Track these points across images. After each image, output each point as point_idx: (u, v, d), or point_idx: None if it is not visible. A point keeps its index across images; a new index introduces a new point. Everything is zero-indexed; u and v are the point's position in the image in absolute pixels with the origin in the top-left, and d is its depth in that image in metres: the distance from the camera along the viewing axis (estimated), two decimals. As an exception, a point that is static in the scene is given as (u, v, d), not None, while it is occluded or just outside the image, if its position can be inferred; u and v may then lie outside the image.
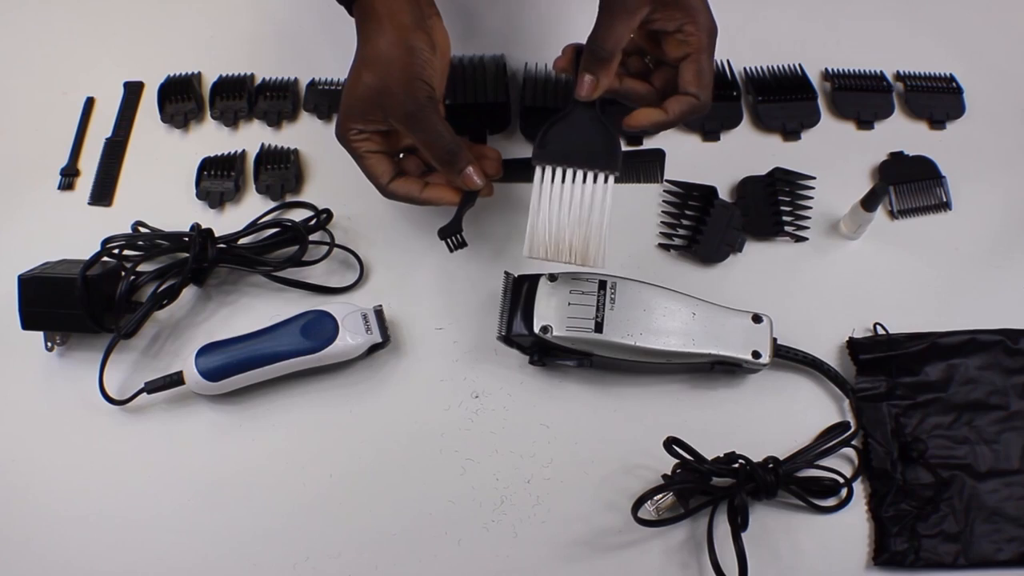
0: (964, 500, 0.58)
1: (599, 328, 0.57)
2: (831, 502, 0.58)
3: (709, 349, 0.58)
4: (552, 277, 0.59)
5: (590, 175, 0.58)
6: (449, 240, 0.61)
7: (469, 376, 0.62)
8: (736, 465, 0.57)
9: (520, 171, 0.65)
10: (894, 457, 0.59)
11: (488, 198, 0.62)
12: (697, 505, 0.56)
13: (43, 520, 0.58)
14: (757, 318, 0.59)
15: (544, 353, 0.59)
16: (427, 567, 0.57)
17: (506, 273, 0.60)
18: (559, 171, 0.58)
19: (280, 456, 0.60)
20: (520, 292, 0.59)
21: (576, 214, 0.57)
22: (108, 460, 0.60)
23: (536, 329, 0.57)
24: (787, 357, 0.61)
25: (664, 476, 0.57)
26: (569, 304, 0.58)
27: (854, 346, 0.62)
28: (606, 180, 0.58)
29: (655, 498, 0.56)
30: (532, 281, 0.59)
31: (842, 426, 0.59)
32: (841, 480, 0.57)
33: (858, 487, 0.59)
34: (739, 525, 0.54)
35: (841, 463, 0.59)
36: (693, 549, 0.57)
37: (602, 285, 0.58)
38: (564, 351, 0.58)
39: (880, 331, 0.63)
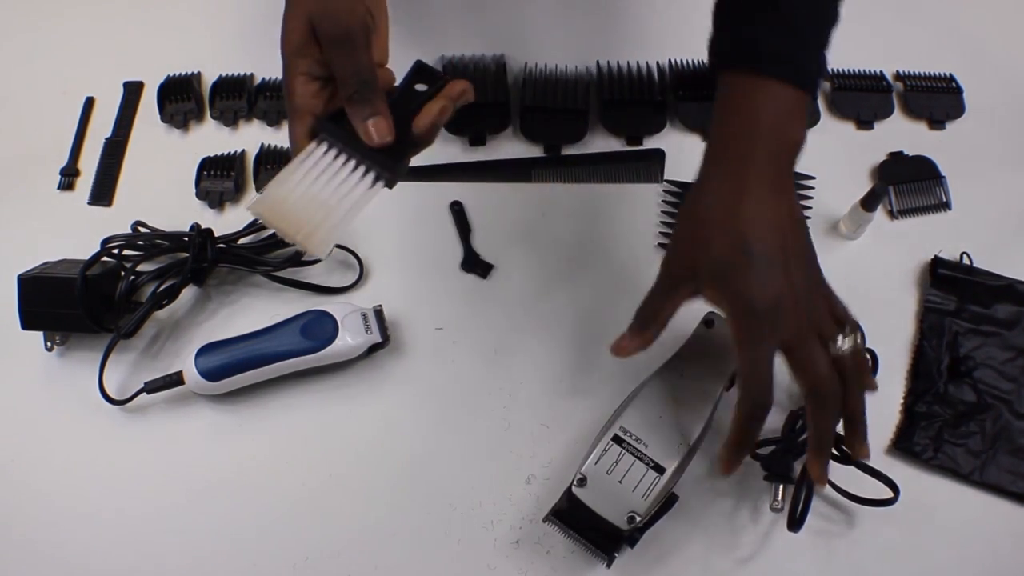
0: (996, 427, 0.60)
1: (659, 469, 0.52)
2: None
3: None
4: (581, 482, 0.52)
5: (367, 171, 0.51)
6: (476, 271, 0.63)
7: (469, 376, 0.62)
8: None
9: (517, 171, 0.65)
10: (942, 366, 0.61)
11: (481, 187, 0.61)
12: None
13: (43, 520, 0.58)
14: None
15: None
16: (427, 567, 0.57)
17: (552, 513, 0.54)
18: (341, 154, 0.51)
19: (280, 456, 0.60)
20: (577, 515, 0.52)
21: (330, 195, 0.50)
22: (108, 460, 0.60)
23: (624, 526, 0.51)
24: None
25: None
26: (620, 483, 0.52)
27: (937, 262, 0.64)
28: (375, 184, 0.51)
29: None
30: (572, 499, 0.52)
31: None
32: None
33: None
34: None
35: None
36: (692, 549, 0.57)
37: (618, 440, 0.53)
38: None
39: (966, 261, 0.65)
